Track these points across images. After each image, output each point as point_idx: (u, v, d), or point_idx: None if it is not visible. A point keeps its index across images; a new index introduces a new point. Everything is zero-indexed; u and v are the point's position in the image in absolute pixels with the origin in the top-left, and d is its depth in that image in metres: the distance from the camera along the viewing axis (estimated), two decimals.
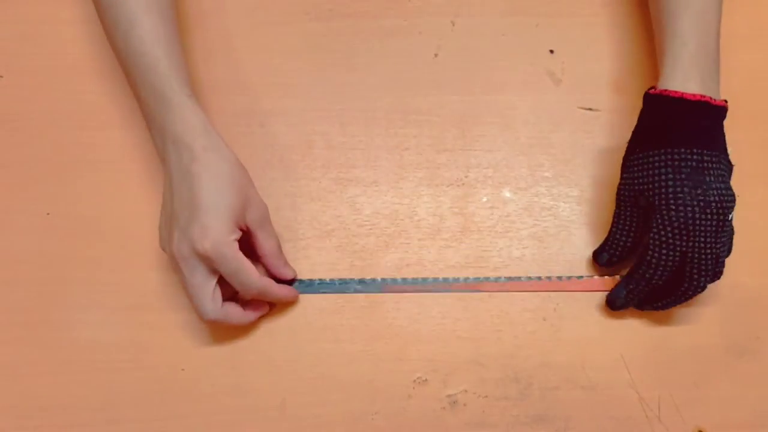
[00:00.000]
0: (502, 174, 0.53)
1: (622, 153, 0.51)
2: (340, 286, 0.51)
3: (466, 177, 0.53)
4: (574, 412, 0.48)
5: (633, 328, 0.49)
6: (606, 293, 0.50)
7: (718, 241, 0.45)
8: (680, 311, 0.50)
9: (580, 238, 0.52)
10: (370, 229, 0.52)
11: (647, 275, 0.46)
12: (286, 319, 0.50)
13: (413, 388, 0.49)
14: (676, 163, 0.45)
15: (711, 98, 0.45)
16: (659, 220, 0.45)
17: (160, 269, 0.51)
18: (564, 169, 0.53)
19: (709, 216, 0.44)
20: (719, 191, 0.44)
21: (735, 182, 0.52)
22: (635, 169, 0.47)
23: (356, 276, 0.51)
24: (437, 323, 0.50)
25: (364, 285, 0.51)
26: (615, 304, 0.48)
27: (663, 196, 0.44)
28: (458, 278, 0.51)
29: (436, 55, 0.56)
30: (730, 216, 0.45)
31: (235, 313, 0.47)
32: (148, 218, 0.52)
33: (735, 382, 0.48)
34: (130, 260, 0.51)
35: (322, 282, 0.51)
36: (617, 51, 0.56)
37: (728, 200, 0.45)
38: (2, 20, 0.57)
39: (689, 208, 0.44)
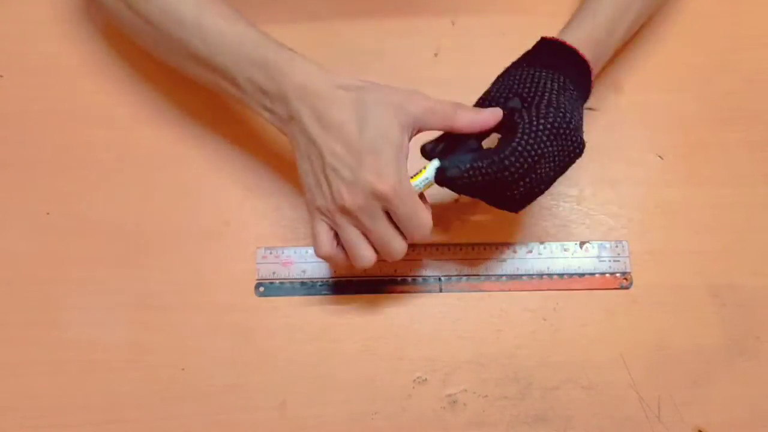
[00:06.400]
0: None
1: (623, 152, 0.51)
2: (340, 286, 0.51)
3: None
4: (574, 412, 0.48)
5: (633, 328, 0.49)
6: (607, 291, 0.50)
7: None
8: (680, 311, 0.50)
9: (579, 238, 0.52)
10: None
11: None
12: (286, 319, 0.50)
13: (413, 387, 0.49)
14: (557, 83, 0.45)
15: (567, 43, 0.47)
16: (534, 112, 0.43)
17: (159, 269, 0.51)
18: None
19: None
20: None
21: (734, 182, 0.52)
22: (514, 76, 0.46)
23: (356, 276, 0.51)
24: (437, 323, 0.50)
25: (364, 285, 0.51)
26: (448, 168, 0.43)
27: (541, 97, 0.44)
28: (459, 278, 0.51)
29: (436, 54, 0.56)
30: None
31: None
32: (148, 218, 0.52)
33: (735, 382, 0.48)
34: (130, 260, 0.51)
35: (322, 282, 0.51)
36: (617, 51, 0.56)
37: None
38: (2, 20, 0.57)
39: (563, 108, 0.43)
